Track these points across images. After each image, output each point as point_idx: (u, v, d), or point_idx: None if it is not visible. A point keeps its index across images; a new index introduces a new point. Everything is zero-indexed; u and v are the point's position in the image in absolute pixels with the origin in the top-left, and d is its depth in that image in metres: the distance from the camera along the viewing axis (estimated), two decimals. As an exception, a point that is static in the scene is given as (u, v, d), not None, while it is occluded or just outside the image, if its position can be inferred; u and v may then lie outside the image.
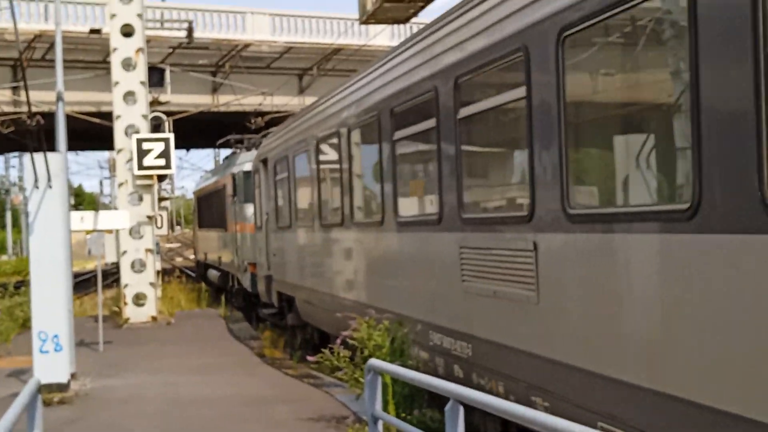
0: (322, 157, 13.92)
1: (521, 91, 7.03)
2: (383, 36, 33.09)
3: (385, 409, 7.79)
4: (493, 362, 7.67)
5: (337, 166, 12.87)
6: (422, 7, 14.32)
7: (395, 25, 24.04)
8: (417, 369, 8.27)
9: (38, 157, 11.72)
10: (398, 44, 10.69)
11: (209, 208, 33.61)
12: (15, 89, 31.70)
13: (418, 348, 9.36)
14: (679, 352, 5.20)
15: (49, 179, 11.83)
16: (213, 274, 31.60)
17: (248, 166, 23.24)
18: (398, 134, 10.06)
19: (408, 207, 10.20)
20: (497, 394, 7.20)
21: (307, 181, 14.99)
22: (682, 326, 5.19)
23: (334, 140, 12.93)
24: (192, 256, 48.87)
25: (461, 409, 5.62)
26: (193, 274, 39.89)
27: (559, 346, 6.56)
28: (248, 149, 25.68)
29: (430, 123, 9.02)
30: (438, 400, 7.27)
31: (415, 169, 10.56)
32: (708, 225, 4.87)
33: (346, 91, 12.58)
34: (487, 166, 9.09)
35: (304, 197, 15.49)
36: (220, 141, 32.02)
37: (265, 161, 19.27)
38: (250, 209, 22.76)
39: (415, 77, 9.44)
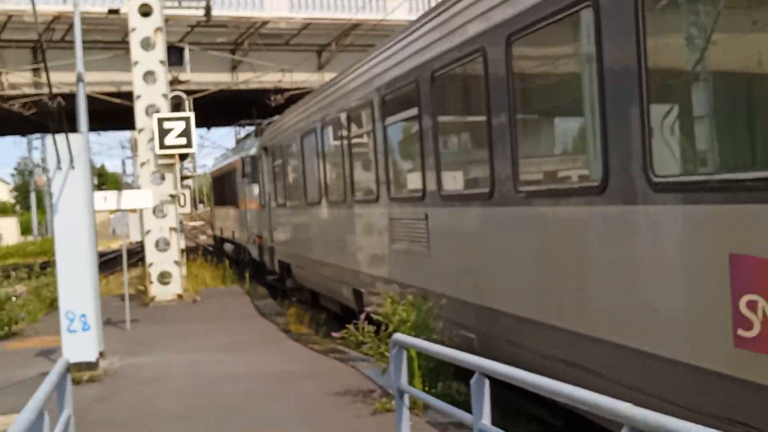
0: (304, 149, 17.52)
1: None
2: (401, 10, 32.89)
3: (410, 382, 7.81)
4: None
5: (314, 156, 16.40)
6: (441, -20, 14.18)
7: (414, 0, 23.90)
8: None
9: (60, 138, 11.78)
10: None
11: (223, 187, 36.94)
12: (35, 71, 31.81)
13: (361, 285, 13.43)
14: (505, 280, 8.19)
15: (71, 160, 11.89)
16: (228, 247, 35.98)
17: (254, 151, 26.45)
18: (351, 132, 13.62)
19: (359, 189, 13.51)
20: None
21: (296, 167, 18.65)
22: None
23: (312, 135, 16.57)
24: (215, 235, 49.92)
25: (487, 382, 5.63)
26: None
27: (443, 284, 9.67)
28: (256, 135, 27.88)
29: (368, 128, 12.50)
30: (463, 374, 7.31)
31: (364, 161, 13.39)
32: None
33: (318, 97, 16.20)
34: (406, 160, 11.74)
35: (295, 180, 19.01)
36: (238, 122, 33.76)
37: (266, 148, 23.30)
38: (256, 189, 25.97)
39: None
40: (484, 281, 8.68)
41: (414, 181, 10.77)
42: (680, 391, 5.53)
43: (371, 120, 12.31)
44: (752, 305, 4.84)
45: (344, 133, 13.97)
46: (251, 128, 33.81)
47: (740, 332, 4.95)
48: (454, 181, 9.73)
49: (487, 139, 8.29)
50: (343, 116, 14.01)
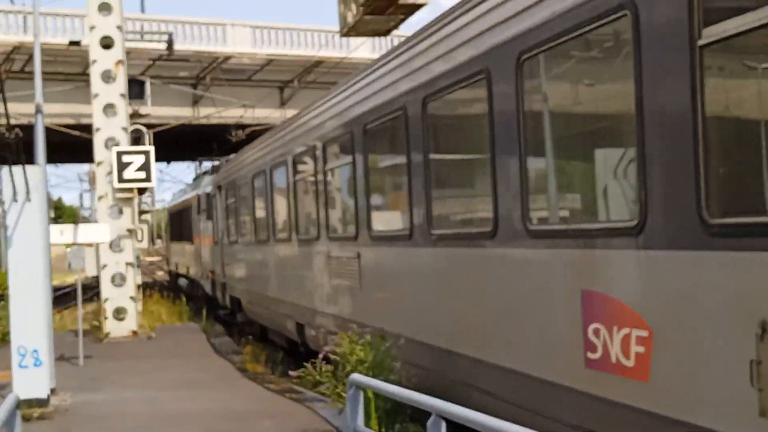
0: (255, 190, 18.66)
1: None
2: (364, 48, 33.18)
3: (367, 423, 7.76)
4: (346, 329, 10.25)
5: (263, 196, 17.61)
6: (403, 20, 14.31)
7: (376, 38, 24.11)
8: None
9: (17, 170, 11.64)
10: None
11: (180, 223, 37.94)
12: (-6, 101, 31.52)
13: (302, 319, 14.58)
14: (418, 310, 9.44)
15: (27, 192, 11.75)
16: (182, 282, 36.40)
17: (210, 188, 27.14)
18: (298, 174, 14.98)
19: (302, 228, 14.64)
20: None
21: (247, 206, 19.80)
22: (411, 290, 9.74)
23: (261, 176, 17.75)
24: (173, 270, 49.72)
25: (443, 424, 5.62)
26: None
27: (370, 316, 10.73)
28: (212, 173, 28.84)
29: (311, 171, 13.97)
30: (420, 415, 7.42)
31: (307, 203, 14.47)
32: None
33: (267, 142, 17.55)
34: (342, 203, 12.97)
35: (246, 218, 20.15)
36: (198, 158, 34.64)
37: (220, 187, 24.57)
38: (211, 225, 26.68)
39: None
40: (403, 313, 9.91)
41: (349, 222, 12.24)
42: (549, 405, 6.59)
43: (314, 165, 13.68)
44: (597, 332, 5.95)
45: (290, 176, 15.30)
46: (211, 163, 34.44)
47: (589, 355, 6.03)
48: (381, 224, 10.98)
49: (407, 186, 9.57)
50: (289, 160, 15.28)
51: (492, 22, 7.50)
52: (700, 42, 4.93)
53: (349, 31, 14.78)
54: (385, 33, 15.27)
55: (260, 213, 18.37)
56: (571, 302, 6.22)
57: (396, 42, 10.54)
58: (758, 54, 4.90)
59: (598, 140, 6.70)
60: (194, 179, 39.04)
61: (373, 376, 8.39)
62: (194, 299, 30.42)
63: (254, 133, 29.85)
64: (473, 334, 8.05)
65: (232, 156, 25.38)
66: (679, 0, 5.07)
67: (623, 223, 5.84)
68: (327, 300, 13.13)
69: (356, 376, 7.28)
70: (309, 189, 14.21)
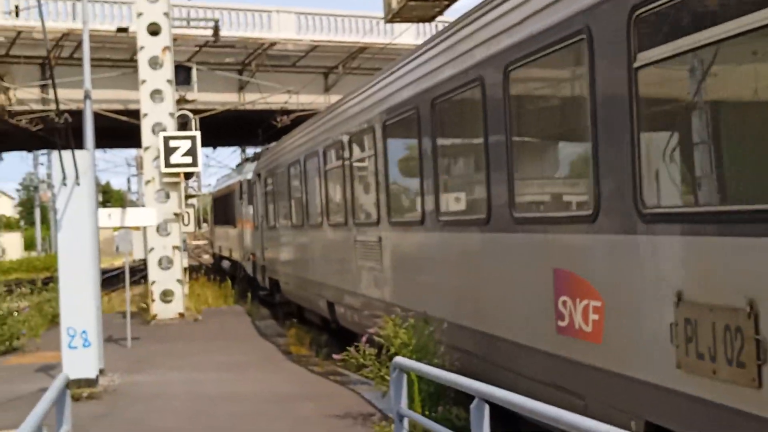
0: (291, 178, 19.79)
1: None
2: (408, 35, 33.05)
3: (410, 406, 7.79)
4: (369, 307, 12.90)
5: (299, 184, 18.70)
6: (447, 6, 14.29)
7: (420, 24, 23.98)
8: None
9: (66, 154, 11.82)
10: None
11: (223, 208, 39.33)
12: (43, 87, 31.99)
13: (333, 298, 15.84)
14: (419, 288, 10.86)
15: (76, 177, 11.93)
16: (225, 264, 38.38)
17: (251, 175, 28.12)
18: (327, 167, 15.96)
19: (332, 214, 15.71)
20: (357, 322, 13.48)
21: (283, 194, 21.13)
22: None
23: (296, 166, 18.89)
24: (218, 254, 50.75)
25: (486, 408, 5.62)
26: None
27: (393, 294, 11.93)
28: (253, 161, 30.24)
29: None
30: (464, 398, 7.54)
31: (337, 192, 15.38)
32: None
33: (301, 133, 18.81)
34: (365, 192, 13.78)
35: (283, 205, 21.53)
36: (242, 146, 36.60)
37: (259, 174, 25.75)
38: (252, 210, 27.80)
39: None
40: (417, 290, 10.97)
41: (371, 210, 13.19)
42: (529, 367, 7.69)
43: (342, 157, 14.58)
44: (564, 304, 7.01)
45: (322, 166, 16.27)
46: (253, 151, 36.47)
47: (559, 323, 7.10)
48: (397, 212, 12.07)
49: (419, 179, 10.55)
50: (320, 151, 16.24)
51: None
52: (635, 64, 5.96)
53: (394, 17, 14.78)
54: (430, 19, 15.25)
55: (296, 200, 19.41)
56: (546, 279, 7.31)
57: (441, 28, 10.28)
58: (679, 74, 5.89)
59: (566, 145, 8.16)
60: (237, 165, 40.01)
61: (417, 360, 8.42)
62: (236, 280, 31.46)
63: (298, 119, 29.96)
64: (473, 307, 9.19)
65: (271, 145, 26.92)
66: (620, 30, 6.05)
67: (583, 212, 6.90)
68: (354, 279, 14.15)
69: (400, 359, 7.30)
70: (340, 179, 15.05)
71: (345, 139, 14.36)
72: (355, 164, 14.15)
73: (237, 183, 32.65)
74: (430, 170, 10.20)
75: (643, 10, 5.85)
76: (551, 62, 7.42)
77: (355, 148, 13.99)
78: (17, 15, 28.96)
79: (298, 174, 18.74)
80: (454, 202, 10.40)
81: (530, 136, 8.52)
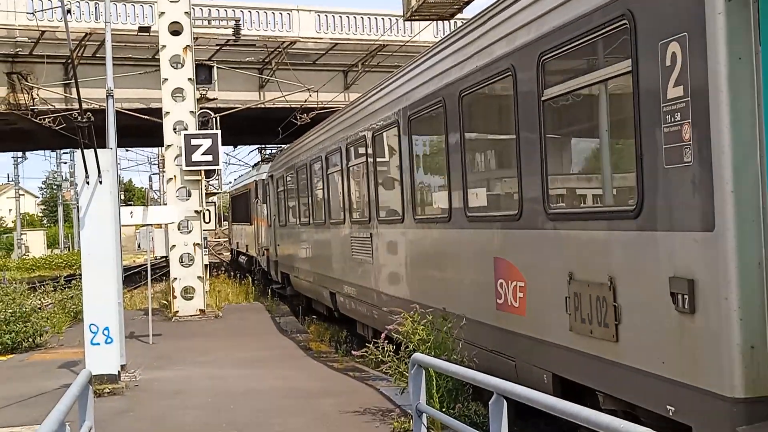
0: (299, 180, 21.51)
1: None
2: (427, 32, 33.03)
3: (429, 402, 7.84)
4: (360, 294, 14.83)
5: (306, 186, 20.38)
6: (466, 4, 14.29)
7: (439, 22, 23.98)
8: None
9: (89, 153, 11.93)
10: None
11: (240, 206, 41.36)
12: (66, 86, 32.21)
13: (334, 288, 17.45)
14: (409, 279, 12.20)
15: (99, 175, 12.04)
16: (242, 259, 40.60)
17: (265, 176, 29.76)
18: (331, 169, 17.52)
19: (334, 213, 17.32)
20: (356, 310, 15.61)
21: (292, 194, 23.27)
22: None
23: (304, 169, 20.50)
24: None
25: (505, 404, 5.65)
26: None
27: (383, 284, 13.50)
28: (268, 162, 31.85)
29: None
30: (482, 394, 7.82)
31: (337, 193, 17.06)
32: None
33: (306, 140, 20.67)
34: (358, 194, 15.41)
35: (291, 204, 23.55)
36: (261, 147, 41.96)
37: (272, 176, 27.83)
38: (266, 209, 29.66)
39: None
40: (404, 279, 12.37)
41: (364, 209, 14.64)
42: (480, 337, 9.17)
43: (340, 163, 16.07)
44: (501, 285, 8.68)
45: (323, 170, 17.87)
46: (269, 152, 37.61)
47: (498, 301, 8.77)
48: (384, 211, 13.40)
49: (400, 182, 12.08)
50: (323, 156, 17.73)
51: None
52: (543, 98, 7.63)
53: (413, 14, 14.80)
54: (449, 17, 15.26)
55: (303, 200, 21.12)
56: (489, 266, 8.93)
57: (459, 26, 10.21)
58: (575, 106, 7.83)
59: (501, 159, 9.82)
60: (253, 166, 40.93)
61: (435, 356, 8.46)
62: (252, 274, 32.78)
63: (318, 116, 30.04)
64: (435, 291, 10.92)
65: (284, 147, 28.52)
66: (531, 72, 7.74)
67: (512, 212, 8.49)
68: (350, 271, 15.86)
69: (418, 356, 7.34)
70: (339, 183, 16.63)
71: (342, 146, 15.68)
72: (354, 168, 15.39)
73: (253, 183, 33.94)
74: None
75: (547, 56, 7.56)
76: (492, 90, 9.16)
77: (354, 154, 15.15)
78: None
79: (305, 176, 20.20)
80: (428, 202, 11.90)
81: (479, 151, 10.50)
